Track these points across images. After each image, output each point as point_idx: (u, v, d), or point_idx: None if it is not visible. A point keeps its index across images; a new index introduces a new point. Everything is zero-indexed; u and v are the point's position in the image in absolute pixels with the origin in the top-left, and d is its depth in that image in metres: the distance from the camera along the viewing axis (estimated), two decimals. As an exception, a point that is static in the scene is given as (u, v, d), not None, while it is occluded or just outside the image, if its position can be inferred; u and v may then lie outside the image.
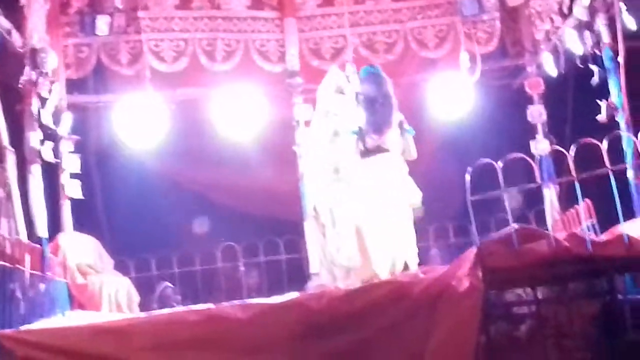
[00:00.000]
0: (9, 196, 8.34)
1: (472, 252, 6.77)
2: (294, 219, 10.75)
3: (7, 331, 6.66)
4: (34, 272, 7.84)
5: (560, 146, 7.72)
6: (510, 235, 6.74)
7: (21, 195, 8.57)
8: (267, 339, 6.64)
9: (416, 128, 9.01)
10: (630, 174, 8.41)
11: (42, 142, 9.31)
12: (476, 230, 6.97)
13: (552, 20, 10.42)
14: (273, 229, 11.26)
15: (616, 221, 7.06)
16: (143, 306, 9.83)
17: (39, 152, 9.22)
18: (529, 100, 11.17)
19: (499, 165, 6.81)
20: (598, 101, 9.03)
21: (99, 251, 10.14)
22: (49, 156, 9.40)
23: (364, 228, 8.48)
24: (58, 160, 9.93)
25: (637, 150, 8.15)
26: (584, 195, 7.22)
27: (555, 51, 10.44)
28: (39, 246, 8.40)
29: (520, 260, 6.62)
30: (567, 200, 10.17)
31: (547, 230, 7.50)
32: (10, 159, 8.51)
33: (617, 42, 8.77)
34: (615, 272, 6.83)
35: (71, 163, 10.20)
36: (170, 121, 10.84)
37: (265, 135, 11.14)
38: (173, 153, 11.20)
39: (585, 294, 6.88)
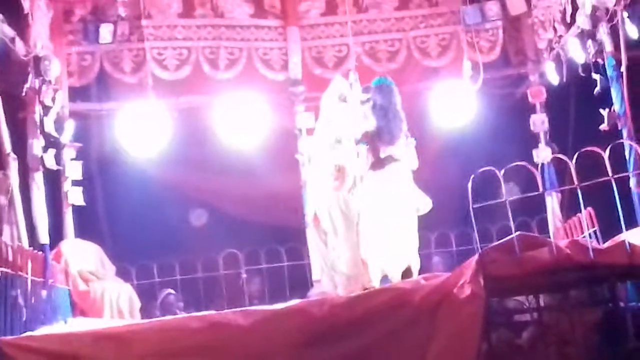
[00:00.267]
0: (11, 203, 8.37)
1: (473, 259, 6.78)
2: (296, 227, 10.75)
3: (9, 338, 6.67)
4: (36, 278, 7.87)
5: (562, 154, 7.74)
6: (512, 243, 6.74)
7: (23, 203, 8.59)
8: (269, 346, 6.65)
9: (419, 136, 9.04)
10: (632, 182, 8.40)
11: (44, 149, 9.32)
12: (478, 237, 6.97)
13: (554, 29, 10.43)
14: (275, 236, 11.26)
15: (618, 229, 7.05)
16: (145, 313, 9.83)
17: (42, 159, 9.23)
18: (532, 109, 11.17)
19: (501, 173, 6.83)
20: (600, 110, 9.04)
21: (100, 258, 10.13)
22: (51, 163, 9.41)
23: (372, 235, 8.53)
24: (60, 168, 9.95)
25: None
26: (586, 204, 7.23)
27: (557, 60, 10.45)
28: (41, 253, 8.43)
29: (522, 267, 6.63)
30: (569, 208, 10.17)
31: (549, 238, 7.47)
32: (13, 166, 8.54)
33: (619, 51, 8.78)
34: (617, 279, 6.83)
35: (73, 170, 10.22)
36: (173, 129, 10.85)
37: (268, 143, 11.15)
38: (175, 161, 11.19)
39: (587, 301, 6.88)
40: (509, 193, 6.97)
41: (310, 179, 9.67)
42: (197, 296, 10.91)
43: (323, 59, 11.45)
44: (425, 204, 8.75)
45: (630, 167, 8.40)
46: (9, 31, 8.65)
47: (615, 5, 8.63)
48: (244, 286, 11.01)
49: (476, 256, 6.76)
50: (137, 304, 9.72)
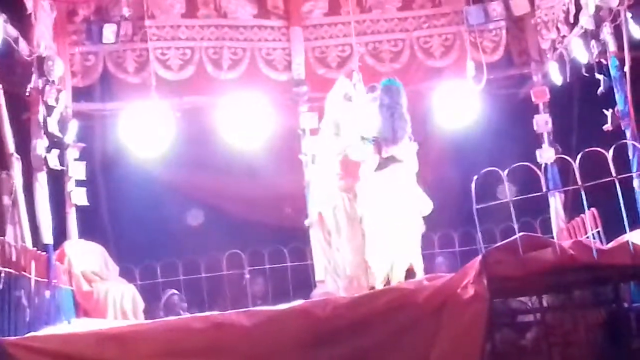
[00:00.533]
0: (15, 203, 8.38)
1: (477, 260, 6.78)
2: (299, 227, 10.73)
3: (13, 338, 6.69)
4: (40, 279, 7.87)
5: (565, 155, 7.74)
6: (515, 244, 6.74)
7: (27, 203, 8.60)
8: (272, 347, 6.66)
9: (422, 137, 9.05)
10: (636, 183, 8.39)
11: (48, 149, 9.31)
12: (481, 238, 6.97)
13: (558, 29, 10.42)
14: (278, 236, 11.25)
15: (622, 230, 7.05)
16: (148, 313, 9.83)
17: (45, 159, 9.22)
18: (535, 109, 11.15)
19: (505, 173, 6.83)
20: (604, 110, 9.03)
21: (104, 258, 10.13)
22: (55, 164, 9.40)
23: (374, 236, 8.54)
24: (64, 168, 9.95)
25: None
26: (589, 204, 7.23)
27: (561, 60, 10.43)
28: (44, 253, 8.43)
29: (526, 268, 6.64)
30: (573, 209, 10.17)
31: (552, 238, 7.47)
32: (17, 167, 8.55)
33: (623, 51, 8.77)
34: (621, 280, 6.84)
35: (77, 170, 10.23)
36: (176, 129, 10.84)
37: (271, 143, 11.14)
38: (178, 161, 11.20)
39: (591, 302, 6.89)
40: (505, 193, 6.98)
41: (315, 179, 9.67)
42: (201, 297, 10.91)
43: (326, 59, 11.45)
44: (426, 206, 8.75)
45: (634, 167, 8.39)
46: (13, 31, 8.64)
47: (618, 6, 8.62)
48: (247, 286, 11.01)
49: (480, 257, 6.76)
50: (141, 304, 9.72)
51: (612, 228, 7.79)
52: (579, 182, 6.96)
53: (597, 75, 9.23)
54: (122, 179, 11.31)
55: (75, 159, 10.25)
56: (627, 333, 6.71)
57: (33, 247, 8.25)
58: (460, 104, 11.14)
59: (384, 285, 8.31)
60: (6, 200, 8.36)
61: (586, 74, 9.56)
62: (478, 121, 11.16)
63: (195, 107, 11.19)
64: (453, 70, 11.42)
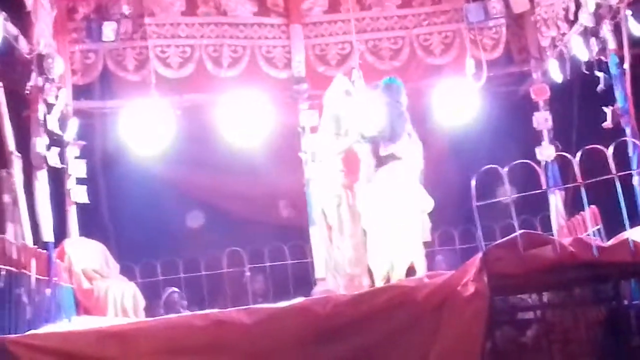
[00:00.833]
0: (15, 201, 8.37)
1: (477, 257, 6.78)
2: (299, 225, 10.75)
3: (13, 336, 6.69)
4: (40, 277, 7.87)
5: (565, 152, 7.74)
6: (515, 241, 6.74)
7: (27, 201, 8.59)
8: (273, 344, 6.66)
9: (422, 134, 9.05)
10: (636, 180, 8.39)
11: (48, 147, 9.31)
12: (482, 235, 6.98)
13: (557, 26, 10.43)
14: (279, 234, 11.26)
15: (622, 227, 7.05)
16: (149, 311, 9.84)
17: (45, 157, 9.22)
18: (535, 107, 11.16)
19: (505, 171, 6.84)
20: (604, 108, 9.03)
21: (104, 256, 10.14)
22: (55, 162, 9.40)
23: (374, 234, 8.55)
24: (64, 166, 9.95)
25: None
26: (589, 201, 7.23)
27: (561, 58, 10.44)
28: (45, 251, 8.43)
29: (526, 265, 6.63)
30: (573, 206, 10.17)
31: (552, 236, 7.48)
32: (17, 165, 8.54)
33: (622, 48, 8.78)
34: (621, 277, 6.85)
35: (77, 168, 10.23)
36: (176, 127, 10.85)
37: (271, 141, 11.15)
38: (178, 159, 11.21)
39: (591, 299, 6.89)
40: (504, 192, 6.98)
41: (318, 177, 9.67)
42: (201, 294, 10.91)
43: (326, 56, 11.45)
44: (427, 204, 8.76)
45: (634, 164, 8.39)
46: (13, 29, 8.65)
47: (618, 3, 8.63)
48: (248, 284, 11.01)
49: (480, 254, 6.76)
50: (141, 302, 9.72)
51: (612, 225, 7.80)
52: (579, 180, 6.96)
53: (597, 73, 9.24)
54: (122, 177, 11.32)
55: (76, 157, 10.25)
56: (627, 330, 6.71)
57: (33, 245, 8.24)
58: (460, 102, 11.14)
59: (385, 283, 8.32)
60: (6, 198, 8.35)
61: (586, 72, 9.57)
62: (478, 119, 11.16)
63: (195, 104, 11.21)
64: (453, 67, 11.42)
